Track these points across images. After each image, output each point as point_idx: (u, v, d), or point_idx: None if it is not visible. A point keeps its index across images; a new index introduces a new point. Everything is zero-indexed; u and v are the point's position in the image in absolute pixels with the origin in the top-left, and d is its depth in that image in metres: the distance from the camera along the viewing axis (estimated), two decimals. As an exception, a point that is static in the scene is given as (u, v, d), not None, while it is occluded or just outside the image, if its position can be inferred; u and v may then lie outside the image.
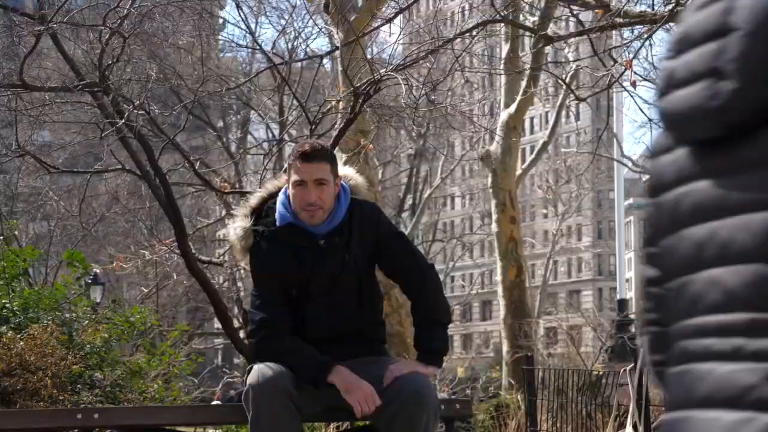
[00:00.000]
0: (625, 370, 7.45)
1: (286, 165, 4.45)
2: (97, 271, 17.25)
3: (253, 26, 29.49)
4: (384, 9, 14.64)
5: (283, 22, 28.95)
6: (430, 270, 4.46)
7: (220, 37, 29.99)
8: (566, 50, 24.29)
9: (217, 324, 27.85)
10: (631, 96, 15.29)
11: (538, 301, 39.71)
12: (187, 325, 19.12)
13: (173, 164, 13.56)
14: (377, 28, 13.56)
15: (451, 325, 4.50)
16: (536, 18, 18.55)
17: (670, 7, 8.45)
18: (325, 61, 13.44)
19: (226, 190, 12.97)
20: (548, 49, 23.84)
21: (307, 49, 27.89)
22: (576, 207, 43.66)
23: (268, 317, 4.29)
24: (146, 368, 8.56)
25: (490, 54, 28.68)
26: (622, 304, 20.97)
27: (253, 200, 4.46)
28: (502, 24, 14.31)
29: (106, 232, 28.63)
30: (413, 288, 4.41)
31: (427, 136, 37.08)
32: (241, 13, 28.29)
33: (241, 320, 21.29)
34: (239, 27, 57.76)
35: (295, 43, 27.65)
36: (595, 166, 41.33)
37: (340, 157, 12.96)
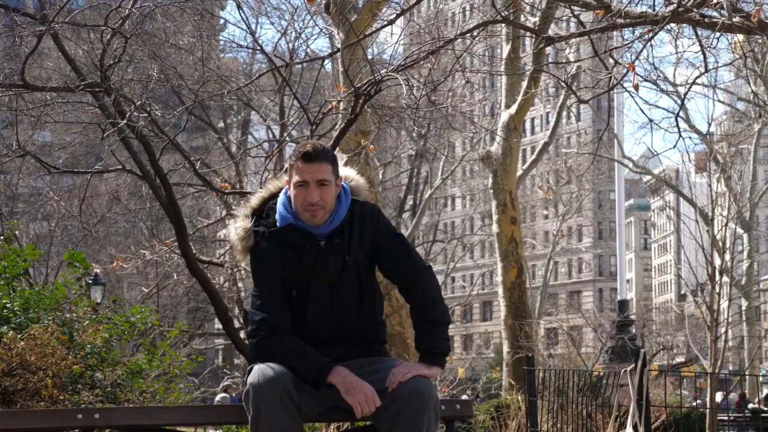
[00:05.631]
0: (625, 370, 7.45)
1: (286, 166, 4.44)
2: (98, 271, 17.25)
3: (253, 27, 29.49)
4: (384, 10, 14.65)
5: (283, 22, 28.96)
6: (428, 271, 4.45)
7: (220, 37, 30.02)
8: (567, 51, 24.30)
9: (218, 324, 27.86)
10: (632, 97, 15.33)
11: (538, 302, 39.71)
12: (187, 325, 19.12)
13: (174, 164, 13.58)
14: (378, 29, 13.56)
15: (451, 326, 4.50)
16: (537, 18, 18.55)
17: (671, 8, 8.45)
18: (325, 61, 13.44)
19: (227, 191, 12.96)
20: (549, 49, 23.88)
21: (308, 50, 27.89)
22: (576, 208, 43.62)
23: (269, 317, 4.30)
24: (146, 368, 8.56)
25: (490, 55, 28.69)
26: (623, 305, 20.99)
27: (254, 201, 4.46)
28: (503, 25, 14.32)
29: (106, 233, 28.66)
30: (411, 289, 4.41)
31: (427, 136, 37.09)
32: (242, 14, 28.32)
33: (241, 320, 21.30)
34: (240, 27, 57.85)
35: (296, 44, 27.66)
36: (596, 167, 41.32)
37: (341, 157, 12.97)
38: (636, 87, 8.45)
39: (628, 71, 8.18)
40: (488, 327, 72.62)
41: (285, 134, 26.13)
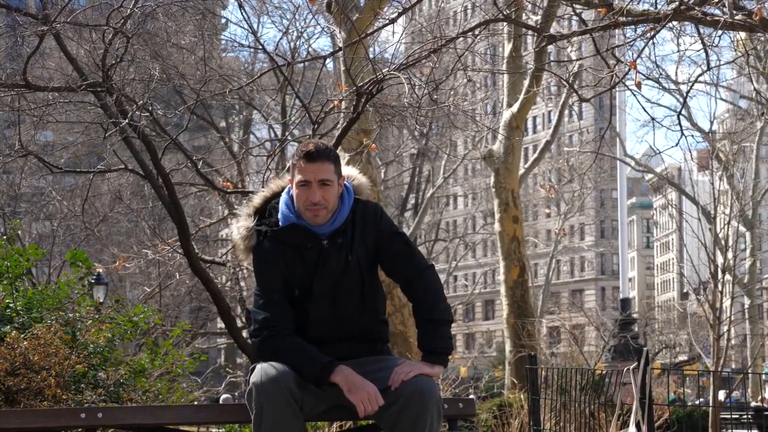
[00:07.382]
0: (628, 369, 7.45)
1: (288, 165, 4.44)
2: (100, 270, 17.26)
3: (255, 26, 29.47)
4: (386, 8, 14.64)
5: (285, 21, 28.97)
6: (430, 270, 4.45)
7: (222, 37, 30.02)
8: (569, 49, 24.29)
9: (220, 324, 27.86)
10: (634, 95, 15.35)
11: (540, 301, 39.66)
12: (190, 324, 19.12)
13: (176, 164, 13.60)
14: (380, 28, 13.56)
15: (453, 325, 4.50)
16: (539, 17, 18.54)
17: (673, 5, 8.44)
18: (327, 60, 13.44)
19: (229, 190, 12.97)
20: (551, 48, 23.85)
21: (310, 49, 27.89)
22: (579, 206, 43.59)
23: (271, 317, 4.30)
24: (149, 368, 8.56)
25: (492, 53, 28.67)
26: (625, 303, 20.96)
27: (257, 200, 4.46)
28: (505, 23, 14.31)
29: (109, 232, 28.67)
30: (413, 288, 4.41)
31: (429, 135, 37.08)
32: (244, 13, 28.33)
33: (244, 320, 21.31)
34: (241, 27, 57.75)
35: (298, 43, 27.67)
36: (598, 166, 41.31)
37: (343, 156, 12.98)
38: (638, 85, 8.42)
39: (630, 69, 8.17)
40: (490, 326, 72.63)
41: (287, 133, 26.12)
